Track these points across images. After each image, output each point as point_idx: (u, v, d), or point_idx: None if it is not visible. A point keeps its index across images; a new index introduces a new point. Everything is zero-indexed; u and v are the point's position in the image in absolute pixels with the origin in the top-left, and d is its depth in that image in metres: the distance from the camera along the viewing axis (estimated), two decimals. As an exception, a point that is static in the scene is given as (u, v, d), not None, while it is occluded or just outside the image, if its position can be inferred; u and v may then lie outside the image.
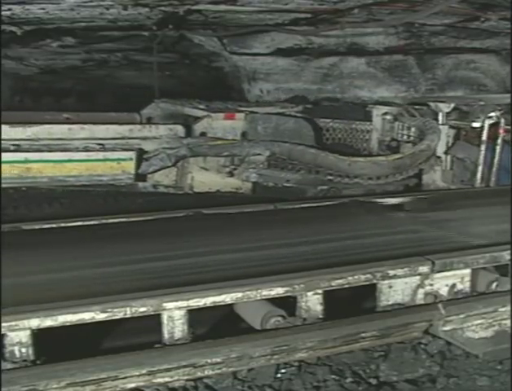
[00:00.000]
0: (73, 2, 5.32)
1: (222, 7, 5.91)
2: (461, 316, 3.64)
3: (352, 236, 4.49)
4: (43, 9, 5.53)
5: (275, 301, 3.45)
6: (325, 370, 3.32)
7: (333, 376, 3.28)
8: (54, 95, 11.99)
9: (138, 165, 6.02)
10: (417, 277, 3.73)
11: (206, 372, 3.14)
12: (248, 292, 3.33)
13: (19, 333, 2.97)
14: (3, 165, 5.58)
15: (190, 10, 5.92)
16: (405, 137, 6.84)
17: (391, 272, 3.66)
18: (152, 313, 3.18)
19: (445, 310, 3.63)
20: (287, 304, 3.49)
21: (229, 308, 3.50)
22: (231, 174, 6.31)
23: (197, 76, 11.19)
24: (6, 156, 5.61)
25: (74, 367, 2.91)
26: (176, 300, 3.19)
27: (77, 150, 5.88)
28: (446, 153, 6.66)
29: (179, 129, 6.35)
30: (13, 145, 5.71)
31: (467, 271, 3.88)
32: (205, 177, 6.39)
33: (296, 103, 7.42)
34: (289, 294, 3.46)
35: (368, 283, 3.63)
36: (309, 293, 3.46)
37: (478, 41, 7.90)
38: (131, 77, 11.43)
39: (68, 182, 5.87)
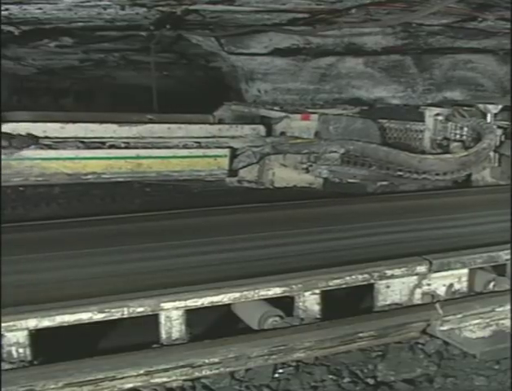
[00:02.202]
0: (71, 1, 5.30)
1: (220, 7, 5.89)
2: (459, 316, 3.65)
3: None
4: (40, 9, 5.51)
5: (272, 301, 3.46)
6: (323, 370, 3.32)
7: (331, 376, 3.28)
8: (51, 95, 12.00)
9: (231, 162, 6.47)
10: (415, 277, 3.74)
11: (204, 372, 3.15)
12: (245, 292, 3.34)
13: (17, 333, 2.97)
14: (118, 161, 6.03)
15: (187, 10, 5.90)
16: (458, 136, 7.21)
17: (389, 272, 3.66)
18: (150, 313, 3.18)
19: (443, 310, 3.63)
20: (285, 304, 3.49)
21: (227, 308, 3.51)
22: (307, 170, 6.74)
23: (195, 76, 11.19)
24: (119, 153, 6.07)
25: (72, 368, 2.91)
26: (174, 301, 3.19)
27: (177, 147, 6.35)
28: (495, 151, 7.06)
29: (261, 129, 6.82)
30: (123, 142, 6.17)
31: (465, 271, 3.88)
32: (284, 173, 6.89)
33: (354, 105, 7.82)
34: (286, 294, 3.46)
35: (365, 283, 3.64)
36: (306, 293, 3.46)
37: (475, 42, 7.89)
38: (129, 77, 11.41)
39: (173, 177, 6.33)
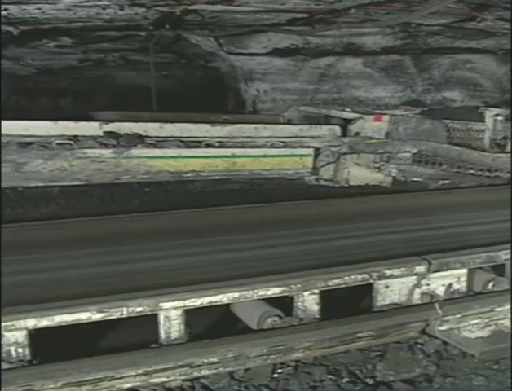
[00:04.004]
0: (70, 1, 5.30)
1: (219, 7, 5.90)
2: (458, 316, 3.64)
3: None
4: (40, 9, 5.51)
5: (271, 301, 3.45)
6: (322, 370, 3.32)
7: (330, 376, 3.28)
8: (50, 95, 12.00)
9: (314, 161, 6.81)
10: (414, 277, 3.74)
11: (203, 372, 3.14)
12: (244, 292, 3.33)
13: (16, 333, 2.97)
14: (215, 159, 6.36)
15: (187, 10, 5.92)
16: None
17: (388, 272, 3.66)
18: (149, 313, 3.17)
19: (442, 310, 3.63)
20: (284, 304, 3.49)
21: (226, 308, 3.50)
22: (379, 169, 7.05)
23: (194, 76, 11.20)
24: (216, 152, 6.40)
25: (70, 367, 2.90)
26: (173, 300, 3.19)
27: (266, 146, 6.67)
28: None
29: (337, 130, 7.12)
30: (217, 142, 6.49)
31: (464, 271, 3.88)
32: (358, 172, 7.16)
33: (415, 106, 8.13)
34: (285, 294, 3.45)
35: (364, 282, 3.63)
36: (305, 293, 3.46)
37: (474, 42, 7.91)
38: (128, 77, 11.43)
39: (263, 175, 6.65)
